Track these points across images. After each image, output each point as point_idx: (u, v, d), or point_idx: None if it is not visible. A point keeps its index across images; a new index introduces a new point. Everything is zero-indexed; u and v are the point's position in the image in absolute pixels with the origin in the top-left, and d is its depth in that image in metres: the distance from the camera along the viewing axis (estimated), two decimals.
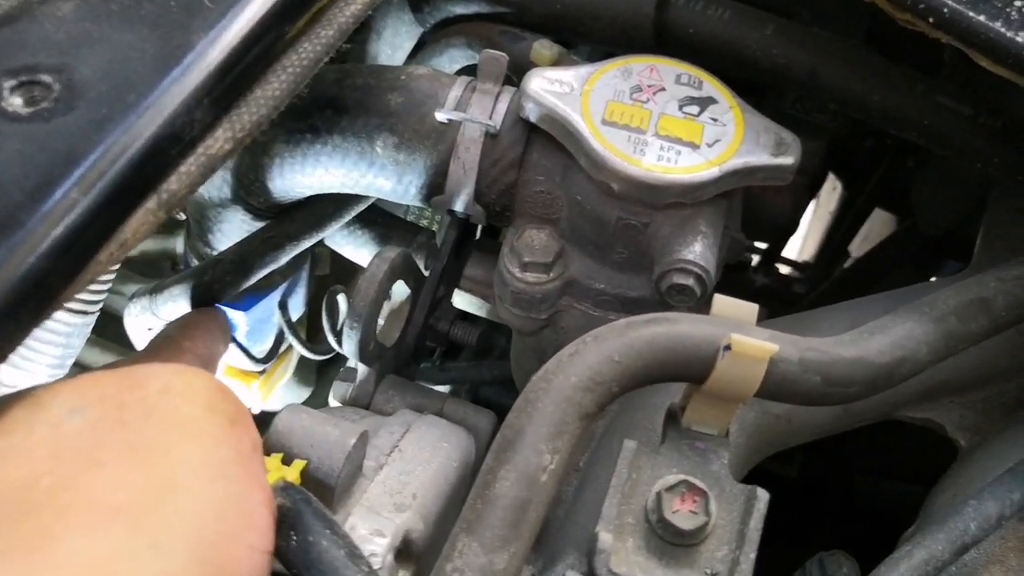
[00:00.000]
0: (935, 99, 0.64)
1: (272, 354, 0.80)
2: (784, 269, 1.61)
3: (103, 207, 0.39)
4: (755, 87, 0.71)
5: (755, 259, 1.44)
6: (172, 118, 0.42)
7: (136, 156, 0.41)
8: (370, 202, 0.73)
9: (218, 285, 0.65)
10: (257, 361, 0.77)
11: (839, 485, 0.95)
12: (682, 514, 0.47)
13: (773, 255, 1.45)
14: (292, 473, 0.45)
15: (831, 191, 1.67)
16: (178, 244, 1.21)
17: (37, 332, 0.74)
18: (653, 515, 0.47)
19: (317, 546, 0.39)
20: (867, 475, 0.95)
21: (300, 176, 0.64)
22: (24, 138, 0.39)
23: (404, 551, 0.50)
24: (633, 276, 0.62)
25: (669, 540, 0.47)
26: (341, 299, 0.77)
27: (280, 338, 0.81)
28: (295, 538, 0.40)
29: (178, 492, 0.33)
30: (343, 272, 1.00)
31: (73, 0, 0.45)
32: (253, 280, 0.68)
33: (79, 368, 1.13)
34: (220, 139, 0.45)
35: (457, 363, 1.01)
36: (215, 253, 0.73)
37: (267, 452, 0.47)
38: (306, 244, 0.69)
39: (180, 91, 0.43)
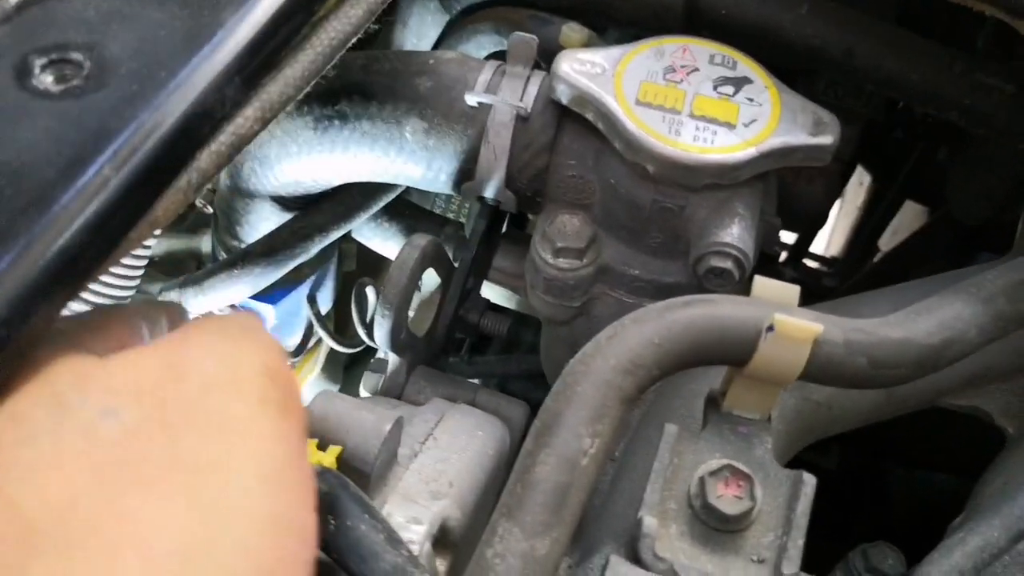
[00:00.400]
0: (975, 77, 0.62)
1: (301, 348, 0.80)
2: (812, 265, 1.59)
3: (135, 185, 0.38)
4: (785, 72, 0.69)
5: (783, 255, 1.43)
6: (203, 96, 0.41)
7: (167, 134, 0.40)
8: (398, 192, 0.73)
9: (248, 277, 0.65)
10: (288, 355, 0.76)
11: (877, 476, 0.93)
12: (727, 499, 0.46)
13: (801, 250, 1.43)
14: (328, 458, 0.44)
15: (858, 186, 1.64)
16: (204, 243, 1.21)
17: None
18: (697, 500, 0.46)
19: (356, 530, 0.38)
20: (906, 466, 0.93)
21: (329, 164, 0.63)
22: (55, 115, 0.39)
23: (441, 539, 0.49)
24: (668, 261, 0.61)
25: (713, 526, 0.46)
26: (370, 291, 0.76)
27: (309, 332, 0.81)
28: (333, 523, 0.39)
29: (234, 518, 0.29)
30: (370, 268, 0.99)
31: None
32: (283, 272, 0.67)
33: None
34: (250, 118, 0.44)
35: (485, 357, 1.00)
36: (243, 246, 0.73)
37: None
38: (335, 235, 0.69)
39: (211, 69, 0.42)
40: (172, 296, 0.72)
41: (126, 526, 0.28)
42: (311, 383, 0.95)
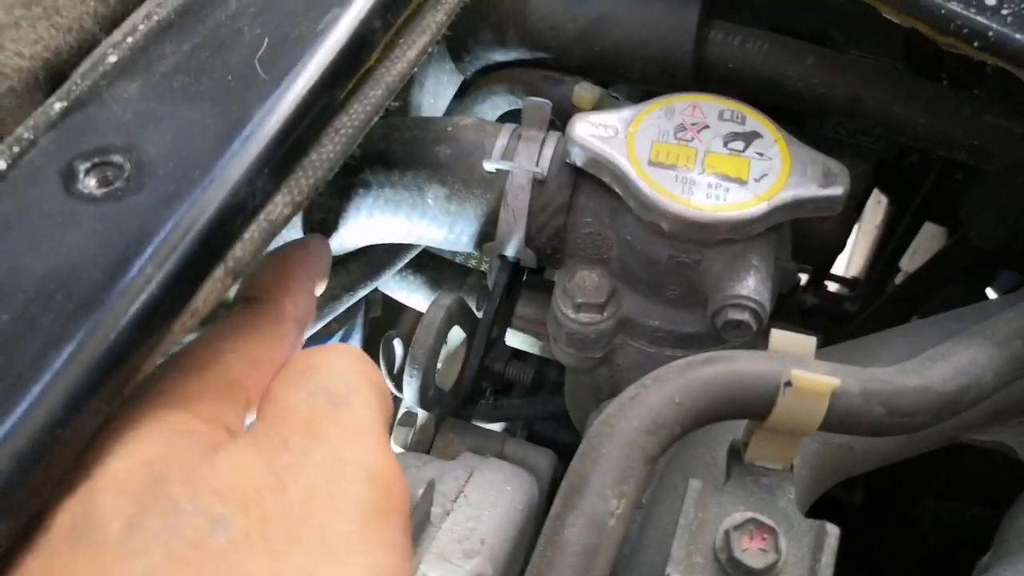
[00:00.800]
0: (983, 119, 0.63)
1: None
2: (832, 286, 1.60)
3: (176, 280, 0.41)
4: (795, 114, 0.71)
5: (803, 278, 1.43)
6: (236, 189, 0.44)
7: (204, 228, 0.42)
8: (420, 248, 0.75)
9: None
10: None
11: (903, 509, 0.94)
12: (752, 552, 0.47)
13: (822, 272, 1.44)
14: None
15: (876, 204, 1.65)
16: (232, 291, 1.24)
17: None
18: (723, 554, 0.47)
19: None
20: (932, 497, 0.93)
21: (354, 229, 0.65)
22: (100, 218, 0.41)
23: None
24: (687, 312, 0.62)
25: None
26: (397, 343, 0.78)
27: None
28: None
29: None
30: (394, 312, 1.01)
31: (138, 80, 0.47)
32: (312, 332, 0.70)
33: None
34: (280, 204, 0.46)
35: (511, 400, 1.02)
36: None
37: None
38: (362, 293, 0.71)
39: (242, 163, 0.44)
40: None
41: None
42: None
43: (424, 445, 0.66)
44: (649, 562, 0.59)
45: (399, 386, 0.77)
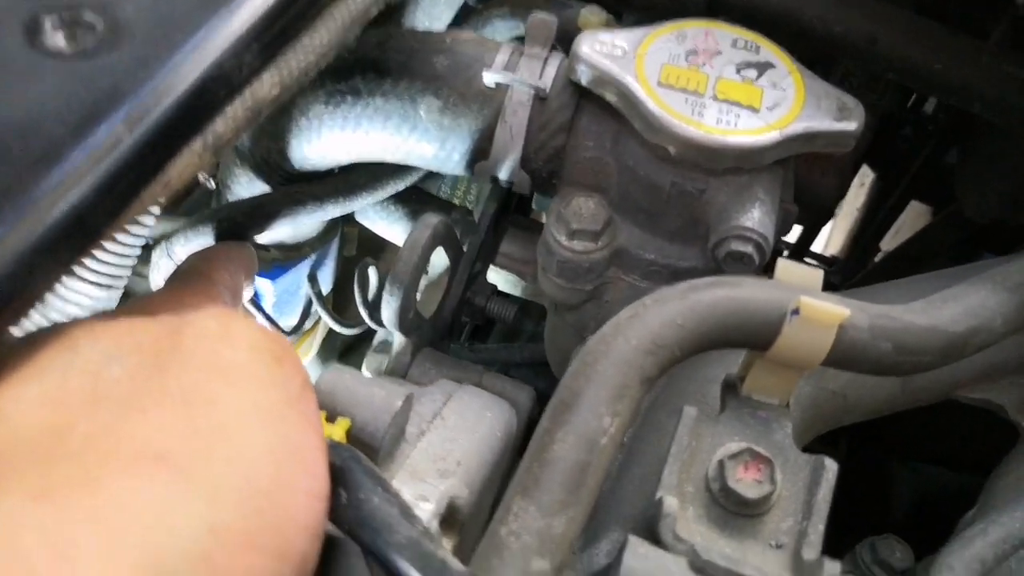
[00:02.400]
0: (1001, 68, 0.61)
1: (299, 327, 0.78)
2: (813, 264, 1.58)
3: (149, 146, 0.37)
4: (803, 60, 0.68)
5: (784, 254, 1.42)
6: (220, 59, 0.40)
7: (183, 96, 0.39)
8: (405, 184, 0.71)
9: (232, 225, 0.62)
10: (284, 333, 0.75)
11: (878, 471, 0.93)
12: (746, 482, 0.45)
13: (803, 249, 1.42)
14: (337, 432, 0.43)
15: (859, 187, 1.64)
16: None
17: (60, 306, 0.73)
18: (715, 484, 0.45)
19: (369, 503, 0.37)
20: (912, 459, 0.92)
21: (339, 139, 0.62)
22: (66, 74, 0.38)
23: (448, 518, 0.48)
24: (685, 246, 0.60)
25: (732, 510, 0.45)
26: (372, 273, 0.75)
27: (306, 312, 0.79)
28: (345, 496, 0.38)
29: (226, 439, 0.31)
30: (370, 254, 0.98)
31: None
32: (269, 227, 0.65)
33: None
34: (267, 83, 0.43)
35: (487, 345, 0.99)
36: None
37: None
38: (331, 210, 0.66)
39: (228, 32, 0.41)
40: (160, 248, 0.71)
41: (119, 442, 0.29)
42: (306, 366, 0.93)
43: (400, 372, 0.63)
44: (630, 499, 0.57)
45: (373, 315, 0.74)
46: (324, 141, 0.62)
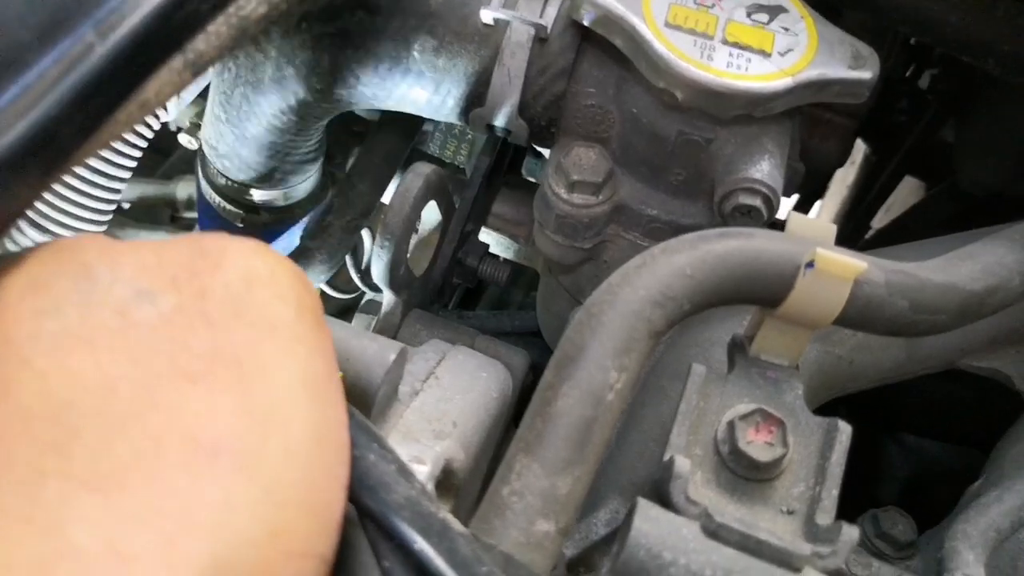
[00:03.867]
0: (1018, 22, 0.59)
1: None
2: None
3: (123, 56, 0.34)
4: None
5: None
6: None
7: (163, 5, 0.35)
8: (418, 132, 0.69)
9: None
10: None
11: (873, 445, 0.91)
12: (757, 445, 0.42)
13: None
14: None
15: (849, 165, 1.62)
16: (179, 189, 1.15)
17: None
18: (724, 446, 0.43)
19: (364, 460, 0.34)
20: (910, 432, 0.91)
21: (332, 89, 0.58)
22: None
23: (444, 481, 0.45)
24: (688, 201, 0.57)
25: (741, 474, 0.42)
26: (364, 234, 0.72)
27: None
28: None
29: (282, 423, 0.27)
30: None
31: None
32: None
33: None
34: (254, 1, 0.39)
35: (475, 312, 0.96)
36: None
37: None
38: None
39: None
40: None
41: (171, 418, 0.25)
42: None
43: (389, 332, 0.60)
44: (628, 467, 0.55)
45: (365, 279, 0.71)
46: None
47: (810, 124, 0.67)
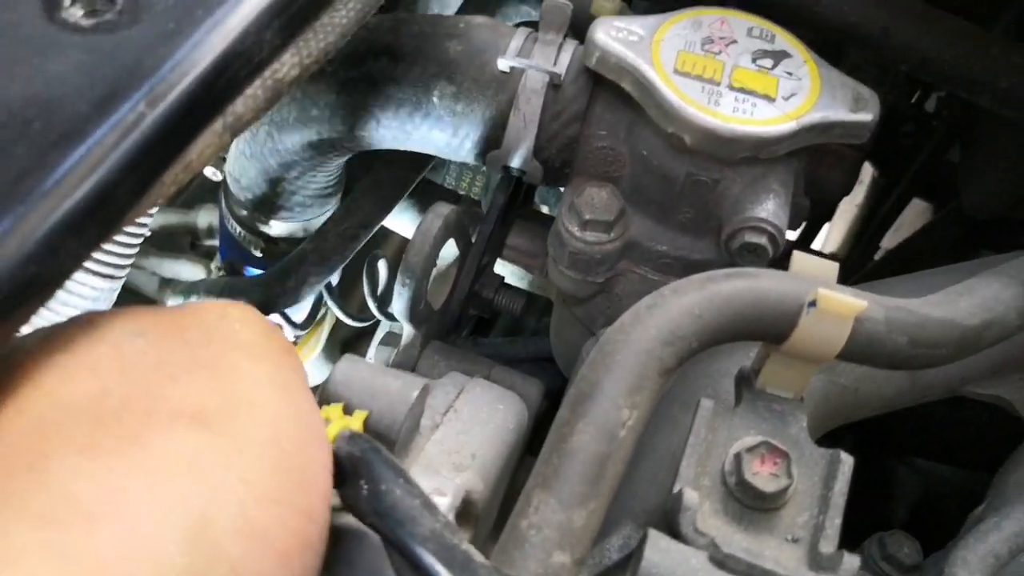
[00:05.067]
0: (1011, 59, 0.61)
1: (310, 320, 0.78)
2: None
3: (171, 123, 0.37)
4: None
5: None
6: (241, 37, 0.40)
7: (205, 73, 0.38)
8: (431, 165, 0.71)
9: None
10: (295, 327, 0.75)
11: (879, 468, 0.93)
12: (763, 476, 0.44)
13: (804, 246, 1.42)
14: (355, 423, 0.42)
15: (857, 185, 1.64)
16: (200, 218, 1.19)
17: (64, 297, 0.72)
18: (732, 477, 0.45)
19: (391, 495, 0.37)
20: (916, 455, 0.92)
21: (355, 130, 0.61)
22: (87, 50, 0.37)
23: (464, 512, 0.47)
24: (697, 239, 0.59)
25: (748, 504, 0.45)
26: (381, 264, 0.75)
27: (316, 306, 0.79)
28: (366, 487, 0.37)
29: (252, 403, 0.33)
30: (373, 244, 0.97)
31: None
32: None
33: None
34: (287, 63, 0.42)
35: (490, 339, 0.98)
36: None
37: (325, 402, 0.44)
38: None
39: (249, 10, 0.40)
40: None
41: (155, 403, 0.31)
42: (312, 362, 0.93)
43: (408, 365, 0.63)
44: (641, 494, 0.57)
45: (382, 308, 0.73)
46: (343, 132, 0.62)
47: (817, 155, 0.69)
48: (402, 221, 0.80)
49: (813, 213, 1.10)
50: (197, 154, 0.38)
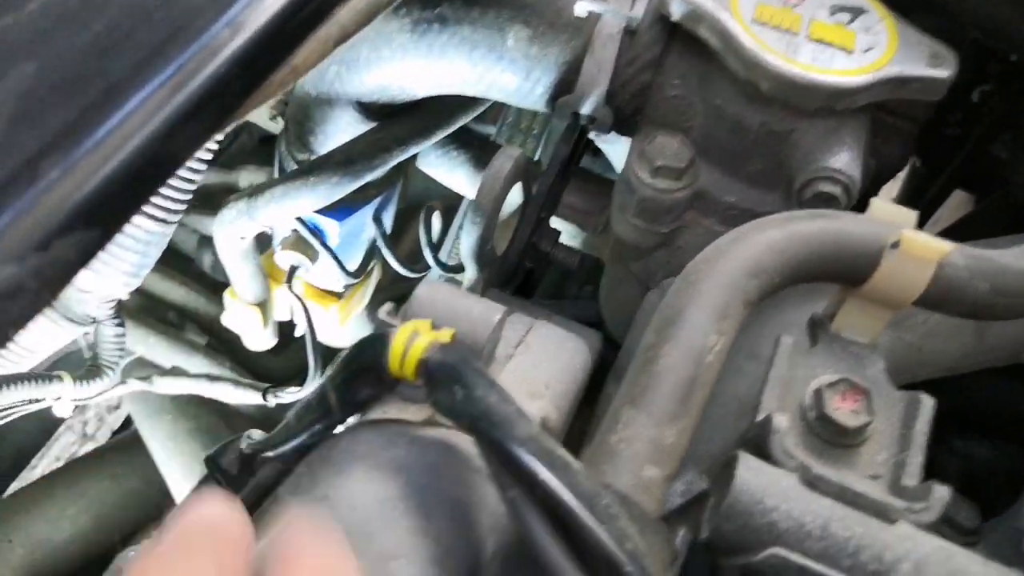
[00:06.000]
0: None
1: (362, 269, 0.78)
2: None
3: (281, 24, 0.37)
4: None
5: None
6: None
7: None
8: (480, 110, 0.71)
9: (327, 181, 0.63)
10: (348, 274, 0.75)
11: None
12: (843, 411, 0.44)
13: None
14: (444, 337, 0.42)
15: (893, 180, 1.63)
16: (241, 178, 1.19)
17: (119, 238, 0.72)
18: (812, 412, 0.45)
19: (486, 399, 0.37)
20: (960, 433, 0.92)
21: (421, 70, 0.61)
22: None
23: None
24: (766, 191, 0.59)
25: (827, 439, 0.44)
26: (436, 216, 0.75)
27: (368, 257, 0.79)
28: (461, 392, 0.37)
29: None
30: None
31: None
32: (359, 184, 0.66)
33: (143, 297, 1.11)
34: None
35: (536, 300, 0.98)
36: (313, 158, 0.71)
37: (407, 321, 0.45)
38: (413, 149, 0.67)
39: None
40: (238, 207, 0.70)
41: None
42: (356, 318, 0.93)
43: None
44: (706, 440, 0.57)
45: (436, 256, 0.74)
46: (406, 71, 0.62)
47: (873, 126, 0.69)
48: (456, 176, 0.80)
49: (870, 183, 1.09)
50: (302, 59, 0.39)
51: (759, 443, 0.41)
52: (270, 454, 0.46)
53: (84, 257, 0.29)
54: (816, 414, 0.44)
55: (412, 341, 0.40)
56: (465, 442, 0.42)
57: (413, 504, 0.38)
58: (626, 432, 0.39)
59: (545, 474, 0.34)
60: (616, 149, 1.00)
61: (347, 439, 0.42)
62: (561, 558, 0.33)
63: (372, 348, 0.41)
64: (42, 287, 0.28)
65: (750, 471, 0.39)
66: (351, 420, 0.44)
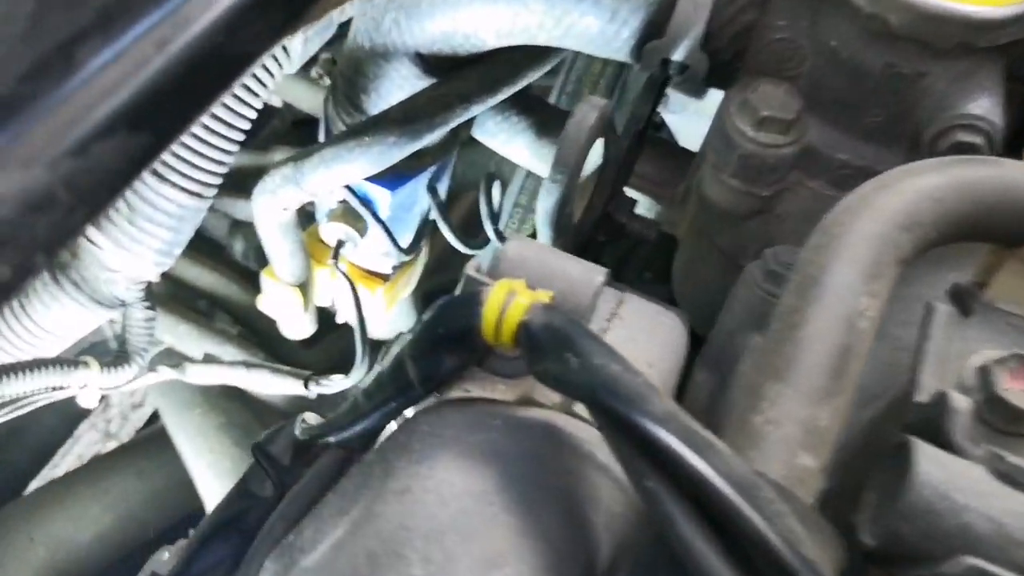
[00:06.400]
0: None
1: (415, 245, 0.71)
2: None
3: None
4: None
5: None
6: None
7: None
8: (550, 66, 0.64)
9: (381, 143, 0.56)
10: (401, 250, 0.68)
11: None
12: (1017, 392, 0.37)
13: None
14: (543, 298, 0.35)
15: None
16: (274, 160, 1.13)
17: (149, 212, 0.65)
18: (977, 392, 0.37)
19: (609, 368, 0.30)
20: None
21: (490, 15, 0.55)
22: None
23: None
24: (885, 147, 0.52)
25: (996, 425, 0.37)
26: (496, 185, 0.68)
27: (422, 230, 0.72)
28: (575, 360, 0.31)
29: None
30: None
31: None
32: (418, 145, 0.59)
33: (172, 283, 1.05)
34: None
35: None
36: (364, 119, 0.64)
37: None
38: (477, 108, 0.60)
39: None
40: (284, 172, 0.64)
41: None
42: (401, 304, 0.87)
43: None
44: None
45: (494, 223, 0.67)
46: (472, 17, 0.55)
47: None
48: (516, 144, 0.73)
49: None
50: None
51: (929, 427, 0.34)
52: (331, 439, 0.39)
53: (130, 168, 0.22)
54: (984, 395, 0.37)
55: (509, 302, 0.33)
56: (570, 425, 0.36)
57: (515, 498, 0.31)
58: (773, 412, 0.32)
59: (694, 459, 0.27)
60: (682, 120, 0.93)
61: (426, 421, 0.36)
62: (718, 562, 0.26)
63: (462, 310, 0.34)
64: (77, 202, 0.21)
65: (931, 462, 0.31)
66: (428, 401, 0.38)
